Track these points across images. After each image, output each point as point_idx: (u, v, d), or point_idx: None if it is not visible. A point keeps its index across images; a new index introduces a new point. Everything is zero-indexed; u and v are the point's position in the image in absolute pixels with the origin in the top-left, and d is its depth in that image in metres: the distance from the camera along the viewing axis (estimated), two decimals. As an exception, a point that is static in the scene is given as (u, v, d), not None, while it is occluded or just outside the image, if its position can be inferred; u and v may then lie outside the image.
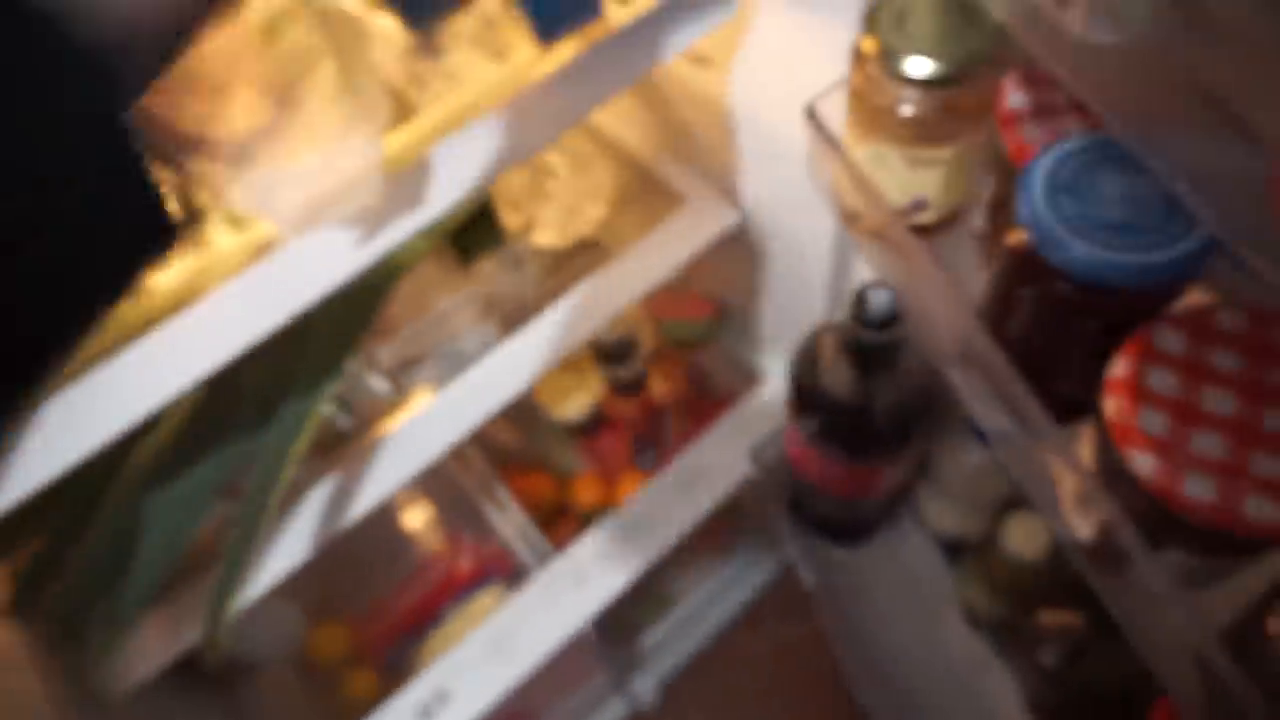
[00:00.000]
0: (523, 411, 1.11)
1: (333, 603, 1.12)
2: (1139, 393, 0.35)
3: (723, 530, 1.15)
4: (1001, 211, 0.44)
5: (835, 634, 0.90)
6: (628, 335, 0.96)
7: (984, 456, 0.68)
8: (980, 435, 0.66)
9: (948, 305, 0.42)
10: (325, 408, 0.73)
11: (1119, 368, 0.36)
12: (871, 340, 0.58)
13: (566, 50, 0.64)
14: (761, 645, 1.23)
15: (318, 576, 1.04)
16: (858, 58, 0.43)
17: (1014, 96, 0.41)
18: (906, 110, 0.42)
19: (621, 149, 0.90)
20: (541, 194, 0.80)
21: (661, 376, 1.10)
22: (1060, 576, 0.67)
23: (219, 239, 0.69)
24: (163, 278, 0.67)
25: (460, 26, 0.78)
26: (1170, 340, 0.37)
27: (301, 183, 0.49)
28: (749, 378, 1.06)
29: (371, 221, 0.54)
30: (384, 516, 1.19)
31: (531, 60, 0.69)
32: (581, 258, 0.91)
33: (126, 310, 0.66)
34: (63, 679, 0.62)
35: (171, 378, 0.52)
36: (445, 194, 0.57)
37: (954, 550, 0.79)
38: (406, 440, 0.74)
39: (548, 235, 0.82)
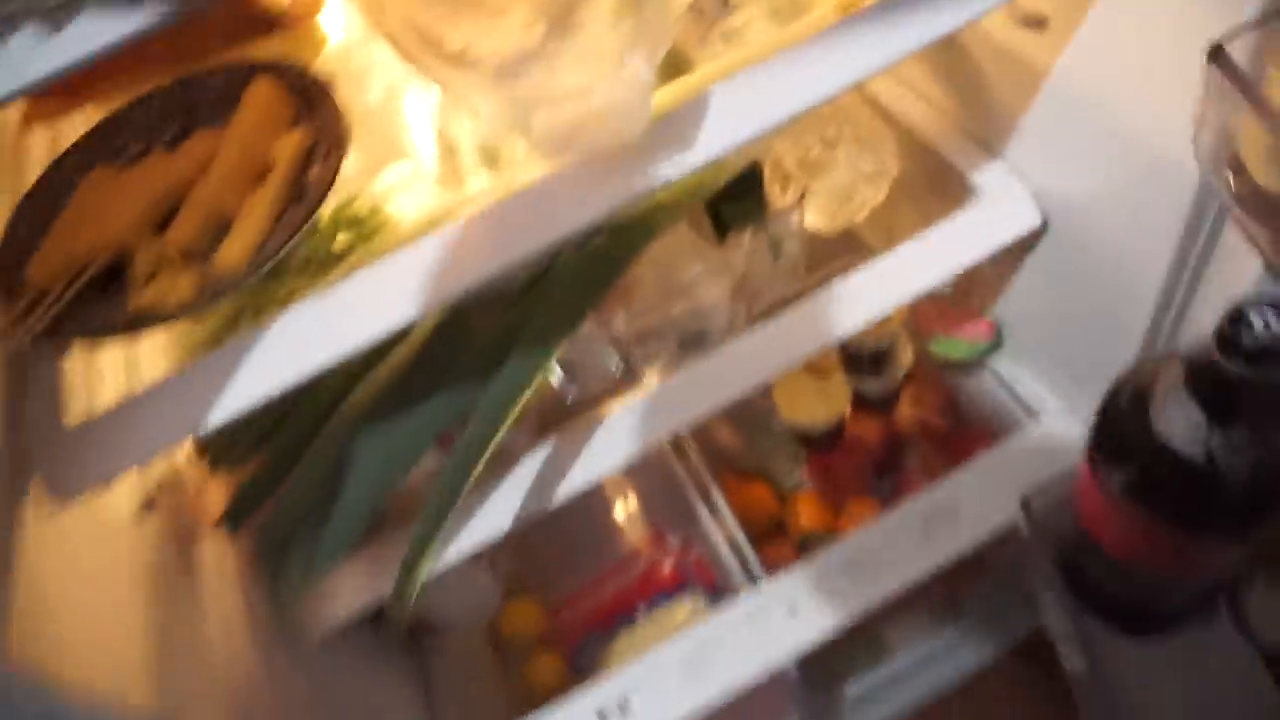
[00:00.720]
0: (750, 413, 1.03)
1: (530, 580, 1.10)
2: None
3: (960, 584, 1.00)
4: None
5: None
6: (886, 345, 0.85)
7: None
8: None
9: None
10: (551, 372, 0.68)
11: None
12: (1242, 374, 0.44)
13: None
14: (982, 725, 1.06)
15: (518, 550, 1.02)
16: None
17: None
18: None
19: (909, 128, 0.78)
20: (817, 169, 0.71)
21: (914, 397, 0.97)
22: None
23: (472, 177, 0.66)
24: (412, 211, 0.65)
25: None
26: None
27: (563, 103, 0.43)
28: (1020, 410, 0.90)
29: (633, 159, 0.48)
30: (592, 500, 1.15)
31: (817, 24, 0.61)
32: (840, 253, 0.81)
33: (376, 241, 0.65)
34: (264, 599, 0.61)
35: (402, 305, 0.49)
36: (714, 140, 0.49)
37: (1289, 671, 0.61)
38: (630, 421, 0.67)
39: (817, 217, 0.73)
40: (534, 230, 0.50)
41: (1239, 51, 0.41)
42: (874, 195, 0.72)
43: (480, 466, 0.57)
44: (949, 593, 1.00)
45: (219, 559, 0.59)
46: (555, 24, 0.48)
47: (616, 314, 0.64)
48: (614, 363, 0.67)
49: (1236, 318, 0.43)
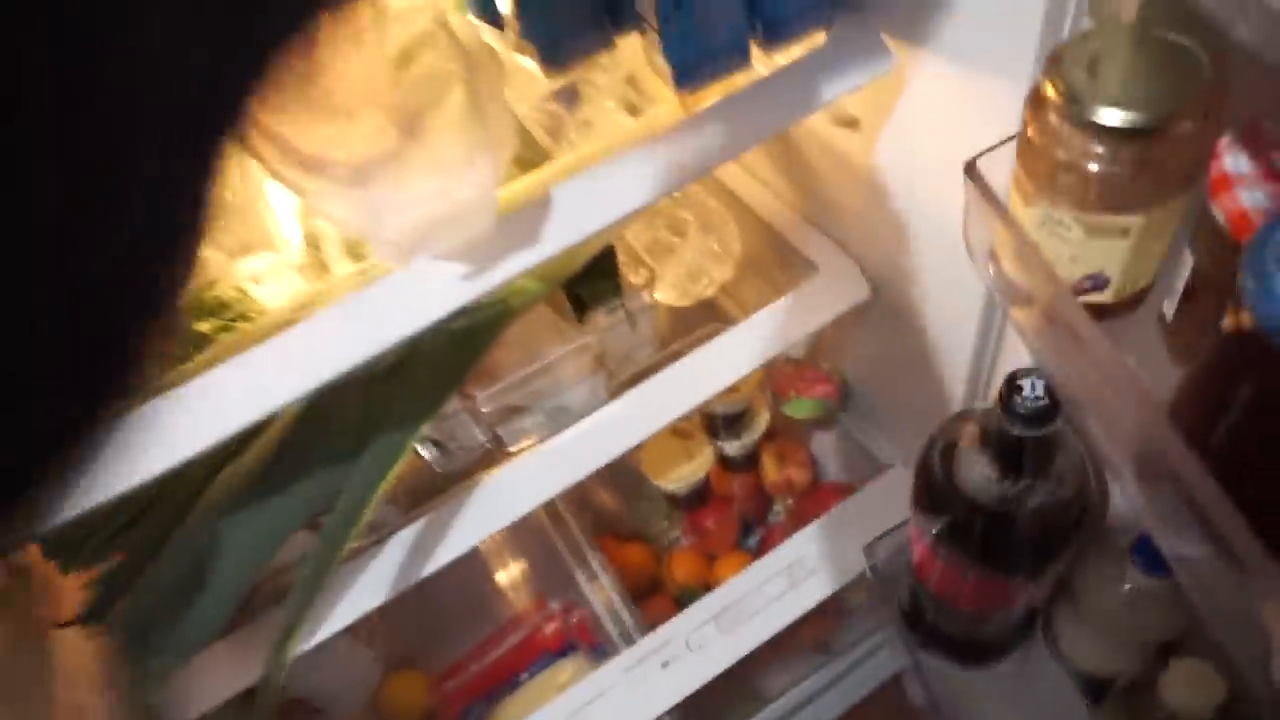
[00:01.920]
0: (625, 478, 1.07)
1: (412, 653, 1.09)
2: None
3: (826, 627, 1.05)
4: (1204, 293, 0.37)
5: (946, 766, 0.80)
6: (742, 408, 0.91)
7: (1147, 584, 0.58)
8: (1145, 559, 0.57)
9: (1128, 401, 0.35)
10: (420, 449, 0.71)
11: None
12: (1021, 434, 0.51)
13: (708, 105, 0.61)
14: (859, 763, 1.11)
15: (399, 624, 1.02)
16: (1035, 104, 0.38)
17: (1233, 157, 0.34)
18: (1091, 167, 0.36)
19: (753, 211, 0.86)
20: (666, 251, 0.77)
21: (775, 455, 1.03)
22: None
23: (336, 267, 0.69)
24: (276, 300, 0.67)
25: (601, 79, 0.77)
26: None
27: (412, 206, 0.47)
28: (870, 465, 0.98)
29: (483, 255, 0.52)
30: (473, 571, 1.16)
31: (670, 114, 0.67)
32: (700, 323, 0.87)
33: (241, 328, 0.66)
34: (127, 697, 0.60)
35: (264, 396, 0.51)
36: (562, 233, 0.54)
37: (1096, 690, 0.68)
38: (498, 491, 0.70)
39: (669, 294, 0.79)
40: (395, 320, 0.53)
41: (997, 162, 0.48)
42: (720, 273, 0.78)
43: (346, 547, 0.58)
44: (818, 637, 1.05)
45: (74, 657, 0.59)
46: (404, 131, 0.52)
47: (483, 392, 0.67)
48: (481, 438, 0.70)
49: (1012, 386, 0.50)
